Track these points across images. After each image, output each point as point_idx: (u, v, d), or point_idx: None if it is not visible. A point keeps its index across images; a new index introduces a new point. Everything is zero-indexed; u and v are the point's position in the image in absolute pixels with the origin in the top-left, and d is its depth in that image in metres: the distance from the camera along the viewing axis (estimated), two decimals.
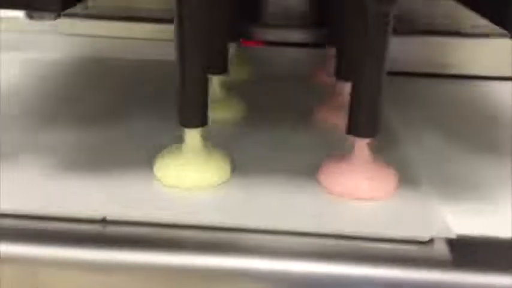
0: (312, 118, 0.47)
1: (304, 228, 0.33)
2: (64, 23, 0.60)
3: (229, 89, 0.48)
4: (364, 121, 0.36)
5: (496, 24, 0.30)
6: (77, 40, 0.61)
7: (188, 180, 0.36)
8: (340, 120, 0.44)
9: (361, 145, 0.37)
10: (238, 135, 0.43)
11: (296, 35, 0.61)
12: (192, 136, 0.37)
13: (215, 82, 0.47)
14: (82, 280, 0.31)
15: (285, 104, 0.50)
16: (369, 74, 0.35)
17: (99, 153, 0.40)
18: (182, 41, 0.35)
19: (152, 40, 0.60)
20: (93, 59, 0.59)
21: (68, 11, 0.32)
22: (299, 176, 0.38)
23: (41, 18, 0.31)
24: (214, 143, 0.38)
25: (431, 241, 0.33)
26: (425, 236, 0.33)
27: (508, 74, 0.59)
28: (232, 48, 0.56)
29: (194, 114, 0.37)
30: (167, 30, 0.52)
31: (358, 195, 0.35)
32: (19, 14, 0.59)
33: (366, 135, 0.36)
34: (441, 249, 0.32)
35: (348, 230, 0.33)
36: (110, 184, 0.36)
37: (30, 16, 0.33)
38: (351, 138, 0.37)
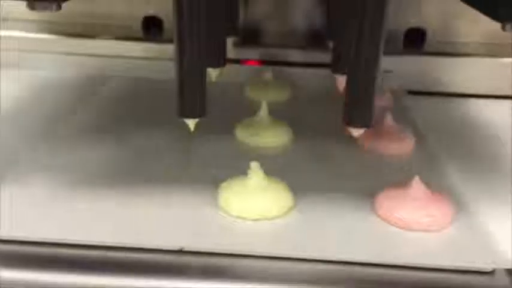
0: (352, 141, 0.47)
1: (366, 259, 0.33)
2: (60, 42, 0.61)
3: (272, 112, 0.48)
4: (359, 112, 0.37)
5: (487, 15, 0.31)
6: (74, 59, 0.61)
7: (254, 211, 0.36)
8: (383, 145, 0.46)
9: (418, 179, 0.37)
10: (291, 162, 0.44)
11: None
12: (256, 168, 0.38)
13: (263, 107, 0.48)
14: None
15: (325, 127, 0.49)
16: (363, 67, 0.35)
17: (155, 178, 0.40)
18: (181, 34, 0.35)
19: (149, 59, 0.61)
20: (89, 77, 0.60)
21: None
22: (356, 205, 0.38)
23: (44, 8, 0.31)
24: (270, 170, 0.39)
25: (492, 271, 0.32)
26: (487, 266, 0.32)
27: (504, 92, 0.60)
28: (270, 71, 0.57)
29: (192, 105, 0.37)
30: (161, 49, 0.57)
31: (417, 226, 0.36)
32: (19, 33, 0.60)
33: (360, 126, 0.37)
34: (502, 279, 0.32)
35: (409, 260, 0.33)
36: (177, 213, 0.37)
37: (32, 7, 0.33)
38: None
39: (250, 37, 0.63)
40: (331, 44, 0.51)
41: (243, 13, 0.60)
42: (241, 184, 0.38)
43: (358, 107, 0.37)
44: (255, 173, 0.37)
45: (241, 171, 0.38)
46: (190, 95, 0.37)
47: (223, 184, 0.38)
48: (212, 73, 0.48)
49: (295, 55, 0.62)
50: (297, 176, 0.41)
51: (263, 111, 0.47)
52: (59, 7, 0.32)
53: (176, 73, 0.36)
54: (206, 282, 0.32)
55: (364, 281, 0.32)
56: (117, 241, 0.33)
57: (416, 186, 0.37)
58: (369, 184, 0.40)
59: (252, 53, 0.62)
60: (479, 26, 0.60)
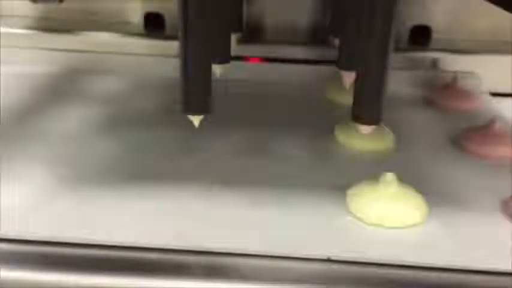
0: (456, 144, 0.46)
1: None
2: (60, 38, 0.61)
3: None
4: (369, 109, 0.36)
5: (504, 8, 0.30)
6: (74, 55, 0.60)
7: (392, 219, 0.35)
8: (495, 149, 0.45)
9: None
10: (404, 166, 0.42)
11: None
12: (391, 178, 0.36)
13: None
14: None
15: (424, 130, 0.48)
16: (373, 64, 0.35)
17: (274, 181, 0.40)
18: (186, 29, 0.35)
19: (150, 56, 0.60)
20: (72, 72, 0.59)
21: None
22: (489, 211, 0.37)
23: (45, 1, 0.31)
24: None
25: None
26: None
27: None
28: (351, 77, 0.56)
29: (198, 101, 0.36)
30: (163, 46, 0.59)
31: None
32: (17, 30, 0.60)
33: (369, 123, 0.36)
34: None
35: None
36: (308, 219, 0.36)
37: (34, 0, 0.33)
38: None
39: (254, 34, 0.62)
40: (336, 41, 0.51)
41: (246, 10, 0.60)
42: (374, 191, 0.37)
43: (367, 104, 0.36)
44: (390, 182, 0.36)
45: (359, 176, 0.38)
46: (196, 90, 0.36)
47: (351, 191, 0.37)
48: (217, 69, 0.48)
49: (299, 52, 0.61)
50: (420, 180, 0.39)
51: None
52: (61, 0, 0.31)
53: (181, 68, 0.35)
54: None
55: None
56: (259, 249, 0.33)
57: None
58: (495, 189, 0.39)
59: (256, 50, 0.61)
60: (486, 22, 0.60)
